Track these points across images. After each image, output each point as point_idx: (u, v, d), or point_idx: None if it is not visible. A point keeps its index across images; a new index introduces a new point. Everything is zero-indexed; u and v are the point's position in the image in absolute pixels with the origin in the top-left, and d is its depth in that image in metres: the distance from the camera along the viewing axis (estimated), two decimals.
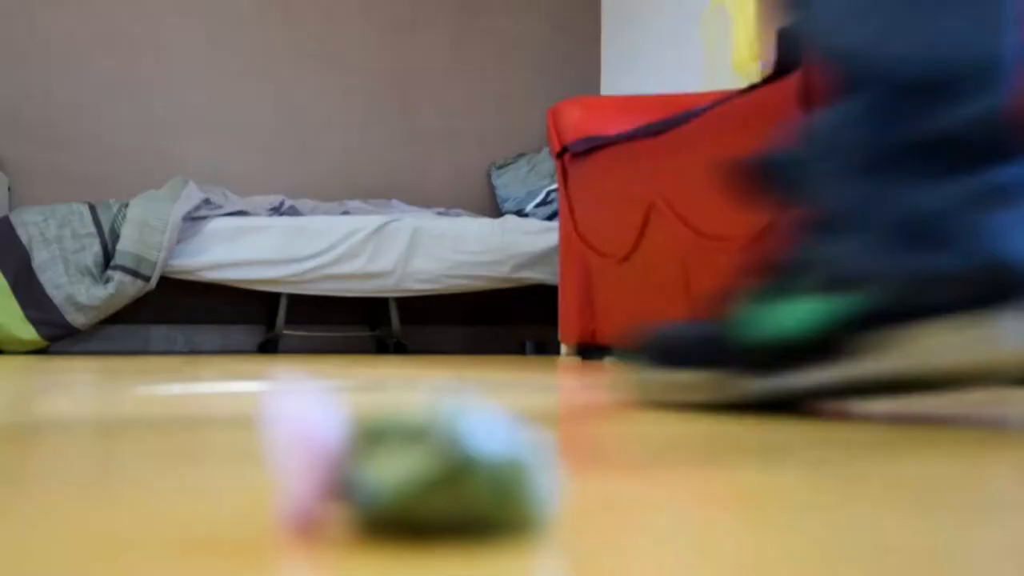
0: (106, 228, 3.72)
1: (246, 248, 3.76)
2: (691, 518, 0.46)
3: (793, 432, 0.85)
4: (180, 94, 4.36)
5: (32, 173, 4.24)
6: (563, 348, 3.54)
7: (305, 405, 0.42)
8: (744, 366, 1.03)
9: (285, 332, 4.11)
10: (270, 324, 4.24)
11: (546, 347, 4.32)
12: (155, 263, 3.64)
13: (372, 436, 0.41)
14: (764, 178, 1.06)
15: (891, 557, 0.38)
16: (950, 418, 0.99)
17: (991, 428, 0.89)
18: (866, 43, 0.96)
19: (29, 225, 3.69)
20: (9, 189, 4.16)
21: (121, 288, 3.63)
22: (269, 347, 4.10)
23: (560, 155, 3.11)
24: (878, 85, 0.96)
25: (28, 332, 3.62)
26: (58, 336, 3.66)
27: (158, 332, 4.21)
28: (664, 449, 0.73)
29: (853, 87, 0.97)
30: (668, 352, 1.10)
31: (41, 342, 3.64)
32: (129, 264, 3.63)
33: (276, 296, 4.12)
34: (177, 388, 1.43)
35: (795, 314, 0.99)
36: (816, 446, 0.75)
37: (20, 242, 3.67)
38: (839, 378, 0.97)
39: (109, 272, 3.64)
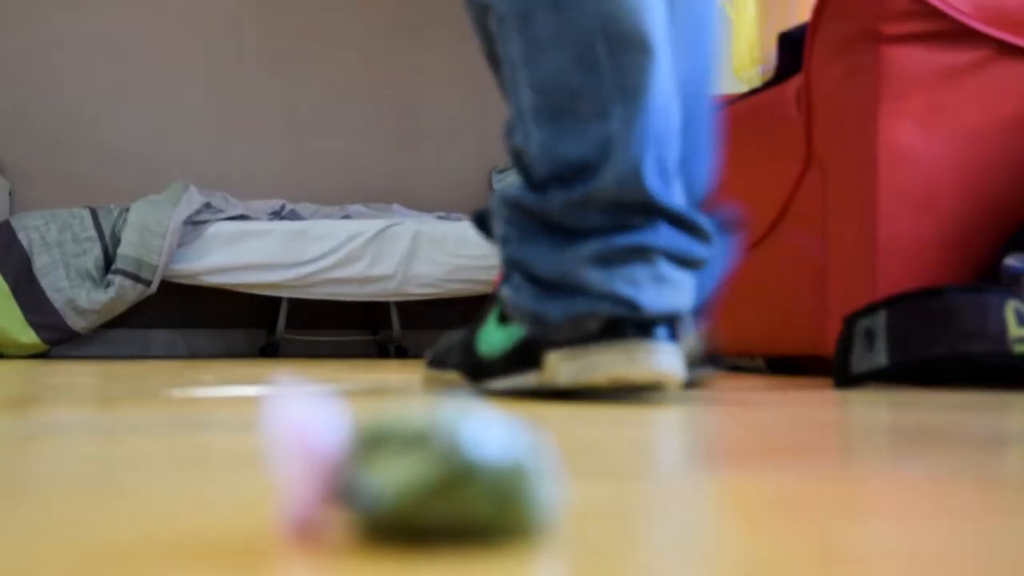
0: (107, 232, 3.73)
1: (247, 252, 3.77)
2: (693, 524, 0.46)
3: (793, 436, 0.85)
4: (181, 98, 4.36)
5: (33, 178, 4.24)
6: None
7: (305, 410, 0.42)
8: (472, 372, 1.37)
9: (286, 336, 4.11)
10: (271, 328, 4.24)
11: None
12: (156, 267, 3.64)
13: (372, 441, 0.41)
14: (481, 224, 1.40)
15: (892, 561, 0.38)
16: (952, 422, 0.99)
17: (994, 433, 0.90)
18: (522, 145, 1.29)
19: (30, 229, 3.69)
20: (10, 194, 4.17)
21: (122, 292, 3.63)
22: (270, 351, 4.10)
23: None
24: (526, 176, 1.29)
25: (29, 336, 3.62)
26: (59, 340, 3.66)
27: (158, 336, 4.21)
28: (664, 454, 0.73)
29: (518, 173, 1.31)
30: (440, 354, 1.45)
31: (42, 346, 3.64)
32: (130, 268, 3.63)
33: (277, 300, 4.12)
34: (177, 392, 1.43)
35: (494, 336, 1.34)
36: (818, 451, 0.75)
37: (21, 246, 3.67)
38: (524, 384, 1.30)
39: (110, 276, 3.64)
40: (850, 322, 1.69)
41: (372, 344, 4.36)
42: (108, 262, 3.70)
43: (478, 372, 1.36)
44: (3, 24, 4.22)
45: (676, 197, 1.26)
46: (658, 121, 1.23)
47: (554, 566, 0.37)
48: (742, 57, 3.57)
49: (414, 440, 0.40)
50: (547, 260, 1.25)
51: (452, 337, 1.44)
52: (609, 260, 1.22)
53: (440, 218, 4.19)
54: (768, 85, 2.24)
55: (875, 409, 1.18)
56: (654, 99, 1.22)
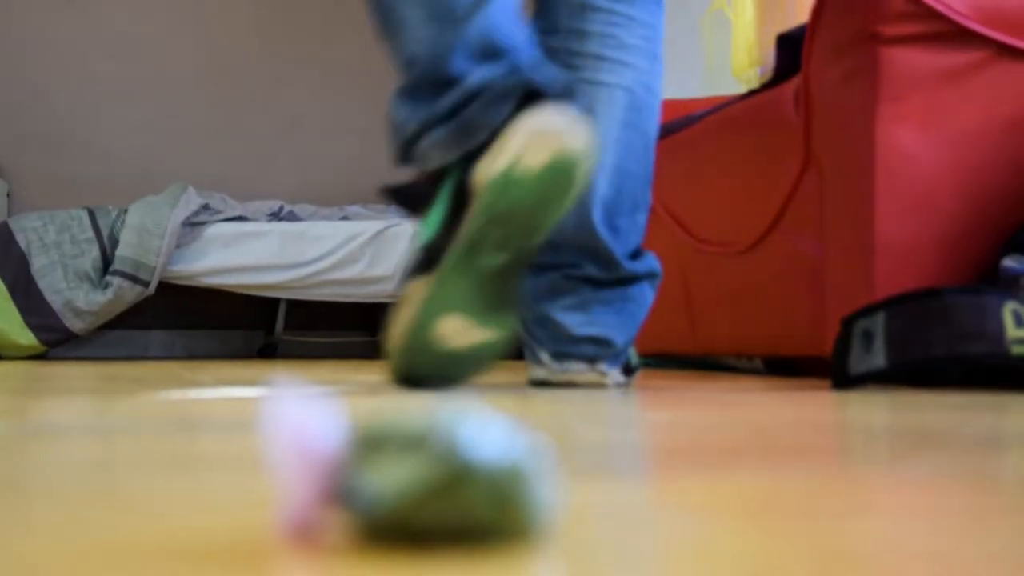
0: (105, 234, 3.73)
1: (245, 253, 3.77)
2: (691, 525, 0.46)
3: (791, 437, 0.85)
4: (179, 99, 4.36)
5: (31, 179, 4.24)
6: None
7: (303, 411, 0.42)
8: (426, 264, 1.38)
9: (284, 337, 4.11)
10: (269, 329, 4.24)
11: None
12: (154, 268, 3.64)
13: (371, 442, 0.41)
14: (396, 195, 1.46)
15: (891, 563, 0.38)
16: (950, 424, 0.99)
17: (992, 434, 0.90)
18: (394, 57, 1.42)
19: (28, 231, 3.69)
20: (8, 195, 4.16)
21: (120, 293, 3.63)
22: (268, 352, 4.10)
23: None
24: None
25: (27, 337, 3.62)
26: (57, 341, 3.66)
27: (156, 337, 4.21)
28: (664, 455, 0.73)
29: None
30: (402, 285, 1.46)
31: (40, 347, 3.64)
32: (128, 269, 3.63)
33: (275, 301, 4.12)
34: (175, 394, 1.43)
35: (427, 225, 1.39)
36: (816, 452, 0.75)
37: (19, 248, 3.67)
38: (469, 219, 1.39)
39: (108, 277, 3.64)
40: (848, 323, 1.69)
41: (371, 345, 4.36)
42: (106, 263, 3.70)
43: (431, 259, 1.37)
44: (1, 25, 4.22)
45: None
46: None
47: (552, 567, 0.37)
48: (741, 58, 3.57)
49: (412, 441, 0.40)
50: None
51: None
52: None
53: None
54: (766, 86, 2.24)
55: (873, 410, 1.18)
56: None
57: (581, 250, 1.54)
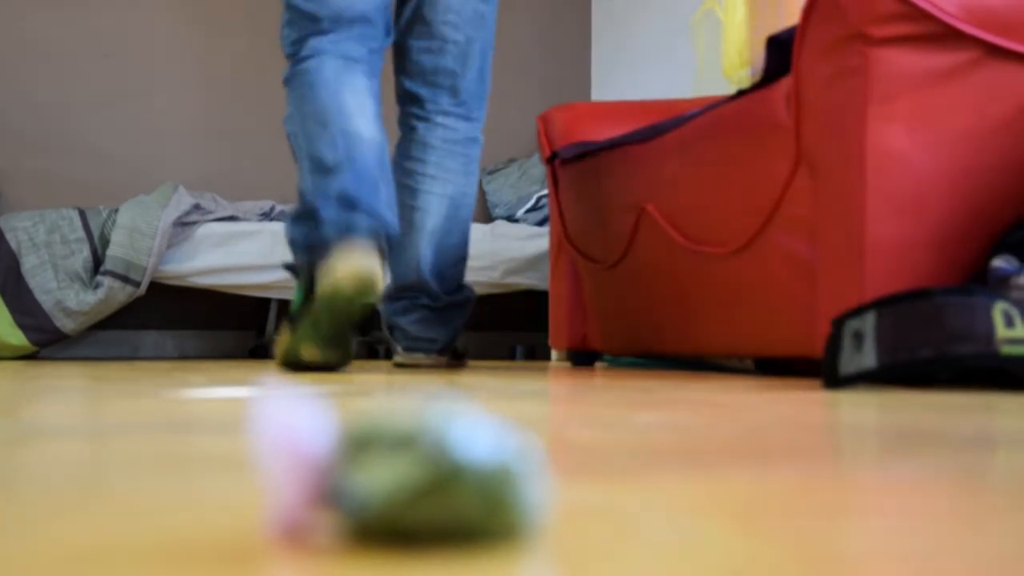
0: (96, 234, 3.72)
1: (236, 254, 3.76)
2: (680, 525, 0.46)
3: (781, 437, 0.85)
4: (169, 99, 4.35)
5: (21, 179, 4.24)
6: (554, 353, 3.54)
7: (293, 412, 0.42)
8: (292, 322, 2.32)
9: (275, 338, 4.11)
10: (260, 330, 4.24)
11: (536, 352, 4.33)
12: (145, 268, 3.63)
13: (360, 443, 0.41)
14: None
15: (879, 562, 0.38)
16: (939, 424, 0.99)
17: (981, 434, 0.90)
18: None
19: (18, 231, 3.68)
20: None
21: (111, 294, 3.62)
22: (259, 353, 4.10)
23: (550, 161, 3.12)
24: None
25: (17, 337, 3.61)
26: (47, 342, 3.65)
27: (148, 337, 4.21)
28: (653, 456, 0.73)
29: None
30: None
31: (30, 347, 3.63)
32: (119, 269, 3.62)
33: (266, 302, 4.12)
34: (166, 394, 1.43)
35: (295, 299, 2.35)
36: (807, 452, 0.75)
37: (9, 247, 3.66)
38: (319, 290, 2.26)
39: (99, 277, 3.64)
40: (839, 324, 1.69)
41: (362, 346, 4.36)
42: (97, 263, 3.69)
43: (294, 320, 2.30)
44: None
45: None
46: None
47: (541, 568, 0.37)
48: (732, 58, 3.58)
49: (402, 442, 0.40)
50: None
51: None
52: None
53: None
54: (757, 87, 2.24)
55: (863, 410, 1.18)
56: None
57: (420, 290, 2.59)
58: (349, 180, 2.23)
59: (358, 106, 2.28)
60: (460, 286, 2.64)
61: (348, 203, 2.22)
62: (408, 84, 2.58)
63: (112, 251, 3.64)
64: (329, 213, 2.22)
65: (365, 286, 2.15)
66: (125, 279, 3.63)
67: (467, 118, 2.60)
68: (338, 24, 2.32)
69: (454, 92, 2.57)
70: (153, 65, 4.34)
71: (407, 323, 2.59)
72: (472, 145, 2.61)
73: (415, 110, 2.58)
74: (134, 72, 4.33)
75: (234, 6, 4.42)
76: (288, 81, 2.35)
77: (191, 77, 4.38)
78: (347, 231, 2.20)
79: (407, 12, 2.54)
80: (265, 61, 4.42)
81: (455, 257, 2.62)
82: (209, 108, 4.39)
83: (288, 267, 2.37)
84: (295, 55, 2.35)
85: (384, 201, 2.27)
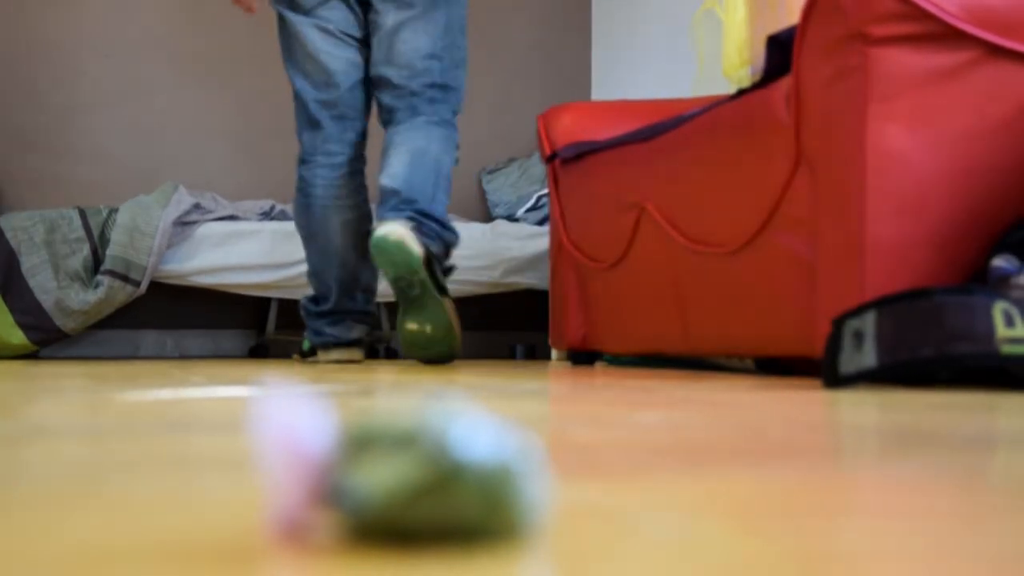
0: (96, 233, 3.72)
1: (236, 253, 3.76)
2: (680, 525, 0.46)
3: (781, 437, 0.85)
4: (169, 99, 4.36)
5: (20, 178, 4.24)
6: (554, 353, 3.55)
7: (293, 411, 0.42)
8: (303, 354, 3.15)
9: (275, 337, 4.11)
10: (260, 329, 4.24)
11: (536, 352, 4.33)
12: (145, 268, 3.63)
13: (360, 442, 0.41)
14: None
15: (879, 562, 0.38)
16: (939, 424, 1.00)
17: (981, 434, 0.90)
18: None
19: (18, 230, 3.68)
20: None
21: (111, 293, 3.62)
22: (259, 352, 4.10)
23: (550, 160, 3.12)
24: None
25: (17, 337, 3.61)
26: (47, 341, 3.65)
27: (148, 337, 4.21)
28: (651, 456, 0.73)
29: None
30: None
31: (30, 347, 3.63)
32: (119, 269, 3.62)
33: (266, 301, 4.12)
34: (166, 393, 1.43)
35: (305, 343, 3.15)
36: (808, 452, 0.75)
37: (9, 247, 3.66)
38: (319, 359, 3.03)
39: (99, 277, 3.64)
40: (839, 323, 1.69)
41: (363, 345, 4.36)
42: (97, 263, 3.69)
43: (305, 355, 3.07)
44: None
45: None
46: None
47: (541, 567, 0.37)
48: (732, 58, 3.58)
49: (402, 442, 0.40)
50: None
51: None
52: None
53: None
54: (757, 86, 2.24)
55: (863, 410, 1.19)
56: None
57: (394, 195, 2.81)
58: (359, 266, 2.93)
59: (341, 224, 2.88)
60: (444, 224, 2.81)
61: (363, 287, 2.96)
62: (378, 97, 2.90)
63: (112, 250, 3.64)
64: (338, 296, 2.92)
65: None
66: (125, 278, 3.63)
67: (434, 112, 2.87)
68: (323, 125, 2.85)
69: (420, 102, 2.85)
70: (152, 65, 4.34)
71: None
72: (443, 125, 2.86)
73: (385, 116, 2.88)
74: (133, 72, 4.33)
75: (236, 7, 4.42)
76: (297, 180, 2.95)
77: (191, 77, 4.38)
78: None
79: (374, 78, 2.88)
80: (266, 61, 4.42)
81: (427, 181, 2.78)
82: (209, 108, 4.39)
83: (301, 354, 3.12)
84: (299, 154, 2.92)
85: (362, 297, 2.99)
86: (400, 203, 2.75)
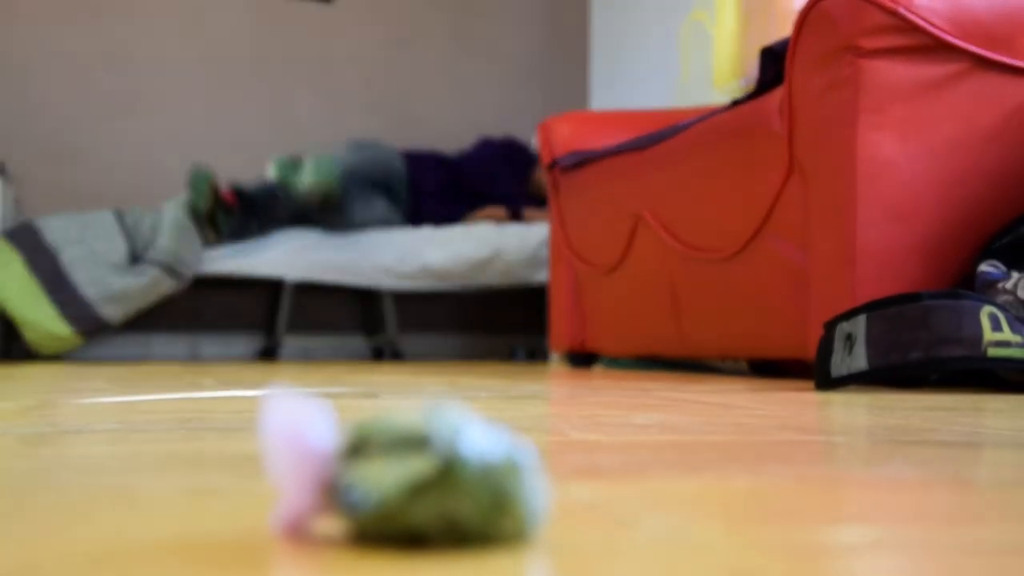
0: (131, 231, 3.79)
1: (250, 247, 3.87)
2: (679, 525, 0.47)
3: (774, 438, 0.86)
4: (182, 109, 4.38)
5: (38, 185, 4.26)
6: (553, 355, 3.55)
7: (299, 412, 0.42)
8: None
9: (285, 340, 4.14)
10: (270, 331, 4.26)
11: (535, 354, 4.34)
12: (191, 264, 3.72)
13: (364, 443, 0.41)
14: None
15: (869, 562, 0.40)
16: (929, 425, 1.01)
17: (970, 436, 0.91)
18: None
19: (55, 229, 3.74)
20: (16, 201, 4.18)
21: (154, 281, 3.68)
22: (269, 354, 4.12)
23: (550, 168, 3.13)
24: None
25: (64, 329, 3.64)
26: (91, 331, 3.68)
27: (159, 339, 4.23)
28: (652, 456, 0.73)
29: None
30: None
31: (75, 338, 3.66)
32: (166, 259, 3.69)
33: (277, 304, 4.15)
34: (177, 395, 1.43)
35: None
36: (801, 453, 0.76)
37: (48, 244, 3.70)
38: None
39: (145, 265, 3.70)
40: (830, 326, 1.70)
41: (369, 347, 4.38)
42: (134, 258, 3.76)
43: None
44: (12, 36, 4.24)
45: None
46: None
47: (541, 567, 0.38)
48: (722, 69, 3.59)
49: (405, 442, 0.41)
50: None
51: None
52: None
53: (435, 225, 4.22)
54: (751, 97, 2.26)
55: (854, 411, 1.19)
56: None
57: None
58: None
59: None
60: None
61: None
62: None
63: (162, 243, 3.70)
64: None
65: None
66: (171, 270, 3.69)
67: None
68: None
69: None
70: (165, 75, 4.37)
71: None
72: None
73: None
74: (147, 82, 4.36)
75: (245, 21, 4.44)
76: None
77: (201, 86, 4.40)
78: None
79: None
80: (274, 72, 4.44)
81: None
82: (220, 116, 4.41)
83: None
84: None
85: None
86: None
